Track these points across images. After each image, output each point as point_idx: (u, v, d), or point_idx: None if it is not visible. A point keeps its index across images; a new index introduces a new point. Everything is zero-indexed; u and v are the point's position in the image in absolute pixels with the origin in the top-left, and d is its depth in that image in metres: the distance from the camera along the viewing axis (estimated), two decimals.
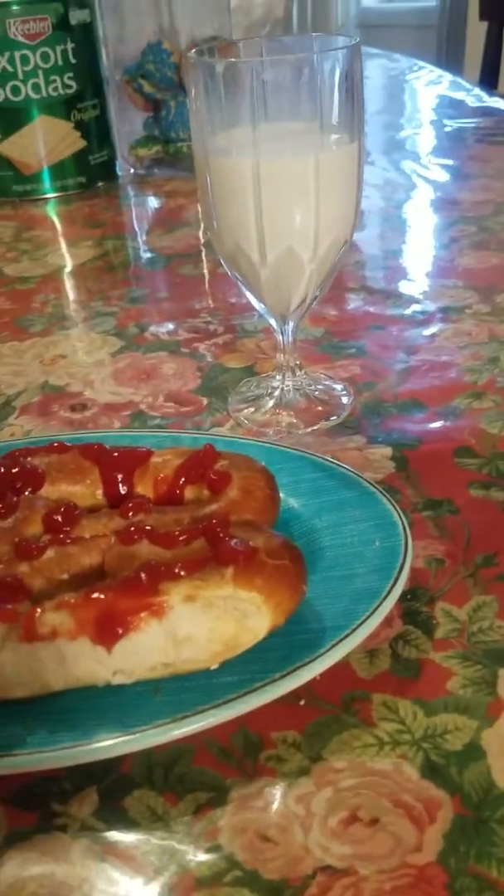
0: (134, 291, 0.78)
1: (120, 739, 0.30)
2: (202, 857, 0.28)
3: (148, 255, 0.87)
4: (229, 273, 0.49)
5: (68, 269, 0.85)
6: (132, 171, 1.13)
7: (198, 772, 0.31)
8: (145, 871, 0.28)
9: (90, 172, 1.08)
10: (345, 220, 0.46)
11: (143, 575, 0.32)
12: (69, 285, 0.81)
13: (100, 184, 1.09)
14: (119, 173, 1.13)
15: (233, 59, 0.44)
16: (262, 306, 0.49)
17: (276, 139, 0.43)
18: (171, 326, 0.69)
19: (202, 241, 0.89)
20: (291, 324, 0.50)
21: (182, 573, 0.32)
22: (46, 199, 1.06)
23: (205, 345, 0.65)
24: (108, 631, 0.31)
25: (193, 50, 0.45)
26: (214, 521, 0.35)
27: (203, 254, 0.86)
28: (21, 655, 0.31)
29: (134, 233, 0.98)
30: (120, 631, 0.31)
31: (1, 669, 0.31)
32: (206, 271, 0.81)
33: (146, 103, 1.09)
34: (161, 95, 1.07)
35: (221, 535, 0.34)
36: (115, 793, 0.31)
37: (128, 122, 1.12)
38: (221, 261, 0.49)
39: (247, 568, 0.32)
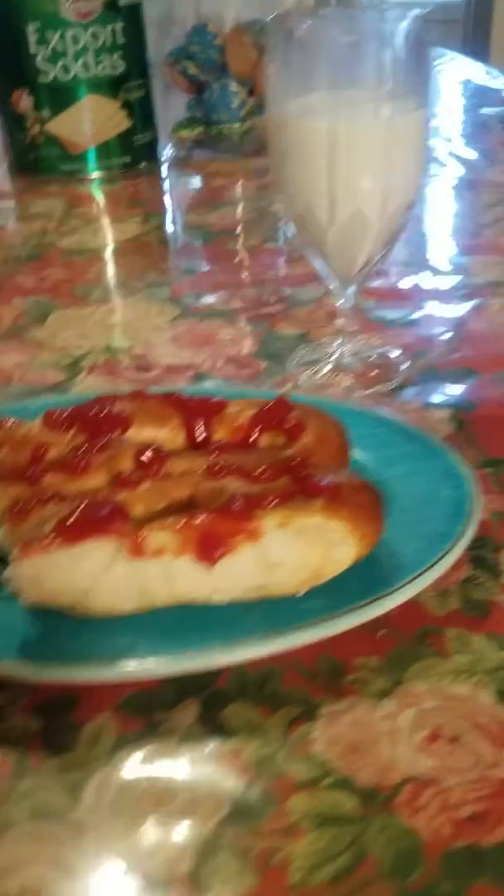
0: (184, 264, 0.80)
1: (221, 652, 0.32)
2: (299, 763, 0.31)
3: (195, 231, 0.90)
4: (295, 236, 0.51)
5: (119, 243, 0.87)
6: (174, 152, 1.15)
7: (288, 689, 0.34)
8: (248, 774, 0.30)
9: (134, 153, 1.10)
10: (411, 184, 0.48)
11: (237, 503, 0.34)
12: (121, 258, 0.84)
13: (142, 164, 1.11)
14: (161, 155, 1.15)
15: (311, 24, 0.46)
16: (326, 269, 0.51)
17: (350, 104, 0.45)
18: (223, 296, 0.71)
19: (246, 218, 0.91)
20: (353, 288, 0.52)
21: (273, 503, 0.34)
22: (91, 178, 1.08)
23: (258, 314, 0.67)
24: (208, 551, 0.33)
25: (272, 16, 0.47)
26: (296, 460, 0.37)
27: (249, 230, 0.88)
28: (130, 571, 0.33)
29: (179, 210, 1.00)
30: (219, 552, 0.33)
31: (111, 585, 0.33)
32: (253, 246, 0.83)
33: (189, 85, 1.11)
34: (205, 77, 1.08)
35: (304, 472, 0.36)
36: (213, 705, 0.33)
37: (170, 105, 1.14)
38: (289, 225, 0.51)
39: (334, 500, 0.34)
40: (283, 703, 0.33)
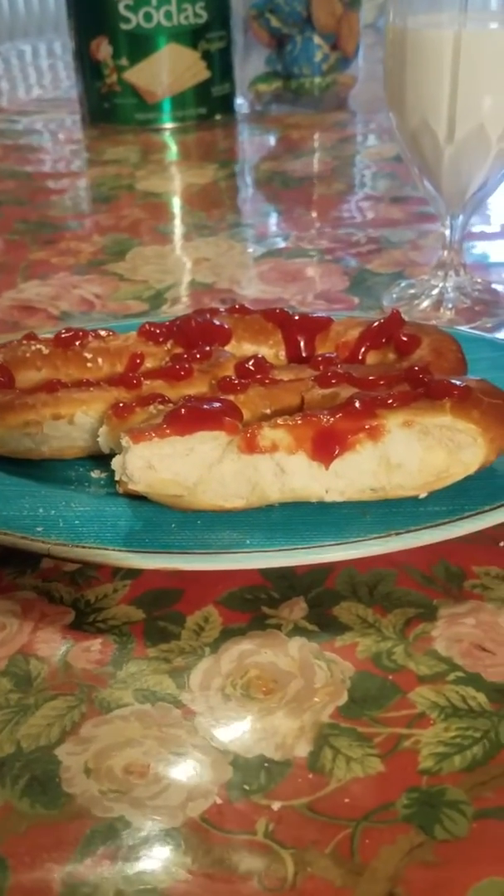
0: (265, 208, 0.79)
1: (337, 546, 0.31)
2: (421, 658, 0.29)
3: (274, 177, 0.88)
4: (406, 157, 0.49)
5: (196, 187, 0.86)
6: (250, 106, 1.13)
7: (403, 591, 0.32)
8: (365, 666, 0.29)
9: (210, 104, 1.08)
10: None
11: (357, 402, 0.33)
12: (199, 201, 0.82)
13: (218, 116, 1.10)
14: (236, 108, 1.13)
15: None
16: (437, 193, 0.49)
17: (478, 18, 0.44)
18: (309, 237, 0.69)
19: (327, 166, 0.90)
20: (461, 218, 0.50)
21: (397, 402, 0.33)
22: (166, 128, 1.07)
23: (348, 253, 0.65)
24: (325, 448, 0.32)
25: None
26: (416, 367, 0.36)
27: (331, 177, 0.86)
28: (240, 466, 0.32)
29: (260, 158, 0.98)
30: (337, 449, 0.32)
31: (221, 479, 0.32)
32: (337, 191, 0.82)
33: (270, 38, 1.10)
34: (287, 30, 1.07)
35: (425, 378, 0.35)
36: (322, 602, 0.32)
37: (248, 58, 1.13)
38: (400, 146, 0.49)
39: (464, 400, 0.33)
40: (397, 605, 0.32)
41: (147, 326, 0.42)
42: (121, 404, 0.37)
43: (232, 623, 0.31)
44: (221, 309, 0.44)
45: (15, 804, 0.25)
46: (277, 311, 0.43)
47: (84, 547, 0.32)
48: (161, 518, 0.34)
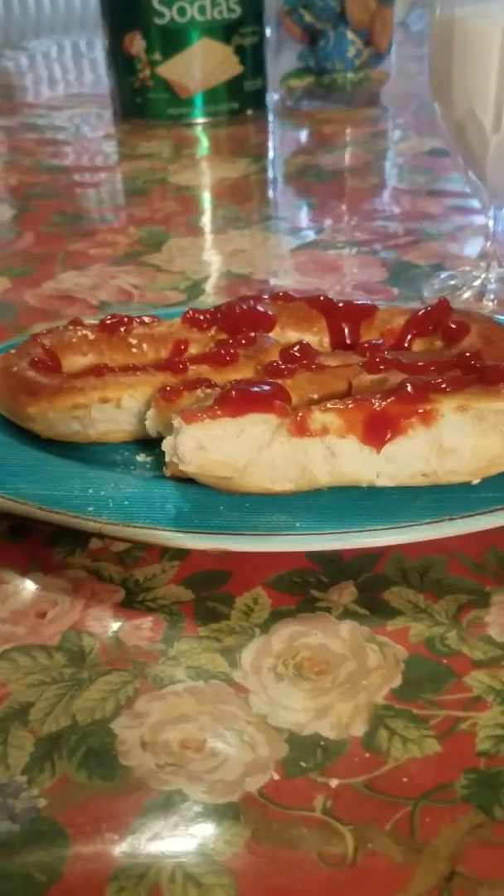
0: (300, 200, 0.79)
1: (389, 530, 0.31)
2: (475, 643, 0.29)
3: (307, 170, 0.88)
4: (450, 148, 0.49)
5: (229, 181, 0.86)
6: (281, 101, 1.14)
7: (454, 578, 0.32)
8: (418, 650, 0.29)
9: (243, 99, 1.09)
10: None
11: (410, 386, 0.33)
12: (233, 194, 0.83)
13: (249, 112, 1.10)
14: (268, 104, 1.13)
15: None
16: (481, 184, 0.49)
17: None
18: (345, 230, 0.69)
19: (360, 160, 0.89)
20: None
21: (449, 389, 0.33)
22: (197, 123, 1.08)
23: (385, 245, 0.65)
24: (377, 432, 0.32)
25: None
26: (468, 353, 0.36)
27: (365, 171, 0.86)
28: (290, 449, 0.32)
29: (291, 152, 0.98)
30: (389, 434, 0.32)
31: (270, 462, 0.32)
32: (371, 185, 0.82)
33: (303, 34, 1.10)
34: (321, 26, 1.07)
35: (478, 364, 0.35)
36: (372, 587, 0.32)
37: (280, 54, 1.13)
38: (444, 136, 0.49)
39: None
40: (448, 591, 0.32)
41: (191, 313, 0.43)
42: (168, 388, 0.37)
43: (281, 605, 0.32)
44: (265, 296, 0.45)
45: (72, 776, 0.25)
46: (322, 298, 0.43)
47: (135, 527, 0.32)
48: (209, 500, 0.34)
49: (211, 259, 0.65)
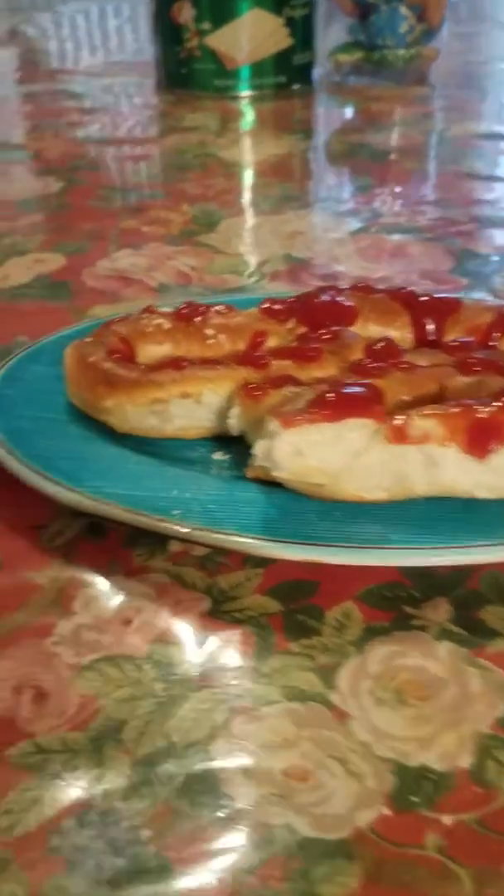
0: (354, 181, 0.77)
1: (492, 547, 0.30)
2: None
3: (360, 150, 0.86)
4: None
5: (281, 157, 0.84)
6: (329, 76, 1.11)
7: None
8: None
9: (290, 73, 1.06)
10: None
11: None
12: (287, 171, 0.81)
13: (296, 86, 1.07)
14: (315, 78, 1.10)
15: None
16: None
17: None
18: (406, 214, 0.67)
19: (416, 141, 0.87)
20: None
21: None
22: (243, 96, 1.05)
23: (448, 231, 0.63)
24: (481, 442, 0.30)
25: None
26: None
27: (420, 152, 0.84)
28: (388, 456, 0.31)
29: (342, 130, 0.96)
30: (494, 444, 0.30)
31: (366, 469, 0.31)
32: (429, 166, 0.79)
33: (353, 8, 1.06)
34: (373, 0, 1.03)
35: None
36: (467, 604, 0.31)
37: (329, 28, 1.10)
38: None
39: None
40: None
41: (268, 303, 0.41)
42: (251, 385, 0.35)
43: (374, 621, 0.30)
44: (345, 286, 0.43)
45: (174, 803, 0.24)
46: (403, 291, 0.42)
47: (223, 533, 0.31)
48: (297, 507, 0.32)
49: (268, 241, 0.64)
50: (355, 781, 0.25)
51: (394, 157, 0.82)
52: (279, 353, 0.38)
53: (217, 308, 0.42)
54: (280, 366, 0.37)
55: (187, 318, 0.41)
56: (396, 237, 0.63)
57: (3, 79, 1.26)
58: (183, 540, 0.32)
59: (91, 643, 0.30)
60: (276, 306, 0.41)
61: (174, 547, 0.34)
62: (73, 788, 0.25)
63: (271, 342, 0.40)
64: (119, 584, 0.32)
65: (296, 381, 0.35)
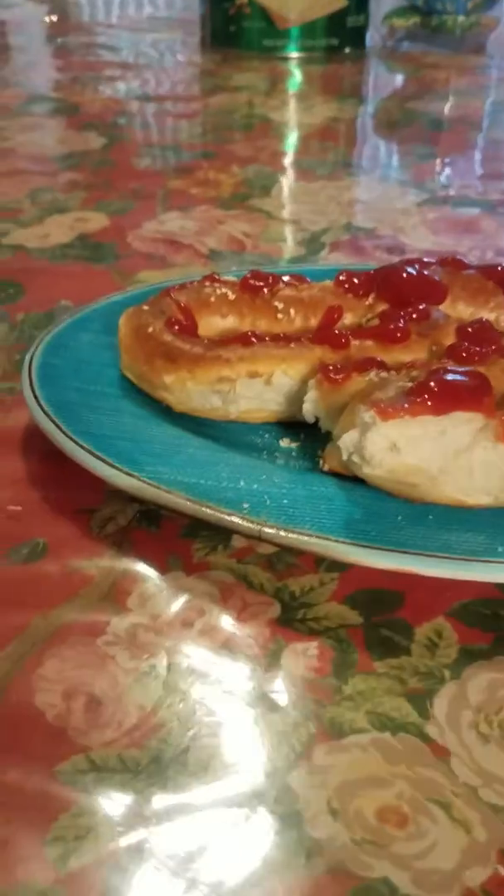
0: (418, 149, 0.72)
1: None
2: None
3: (422, 117, 0.81)
4: None
5: (335, 121, 0.80)
6: (382, 41, 1.06)
7: None
8: None
9: (342, 36, 1.01)
10: None
11: None
12: (342, 136, 0.76)
13: (347, 49, 1.02)
14: (368, 43, 1.05)
15: None
16: None
17: None
18: (475, 186, 0.63)
19: (473, 110, 0.82)
20: None
21: None
22: (291, 57, 1.00)
23: None
24: None
25: None
26: None
27: (482, 120, 0.79)
28: (495, 456, 0.27)
29: (394, 96, 0.91)
30: None
31: (469, 469, 0.27)
32: (492, 138, 0.75)
33: None
34: None
35: None
36: None
37: None
38: None
39: None
40: None
41: (345, 275, 0.37)
42: (331, 367, 0.32)
43: (471, 642, 0.27)
44: (430, 260, 0.39)
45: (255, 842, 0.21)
46: (499, 268, 0.38)
47: (302, 534, 0.27)
48: (383, 508, 0.29)
49: (326, 209, 0.60)
50: (462, 831, 0.22)
51: (459, 127, 0.77)
52: (360, 332, 0.34)
53: (286, 279, 0.38)
54: (361, 346, 0.33)
55: (254, 288, 0.37)
56: (465, 211, 0.59)
57: (37, 31, 1.22)
58: (250, 536, 0.29)
59: (148, 645, 0.26)
60: (354, 279, 0.37)
61: (238, 542, 0.31)
62: (135, 816, 0.22)
63: (347, 319, 0.37)
64: (178, 582, 0.29)
65: (381, 365, 0.32)
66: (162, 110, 0.82)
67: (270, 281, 0.37)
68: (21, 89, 0.89)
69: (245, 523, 0.28)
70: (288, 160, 0.69)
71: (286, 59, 1.00)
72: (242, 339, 0.34)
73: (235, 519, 0.28)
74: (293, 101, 0.87)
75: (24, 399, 0.33)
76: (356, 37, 1.02)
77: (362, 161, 0.70)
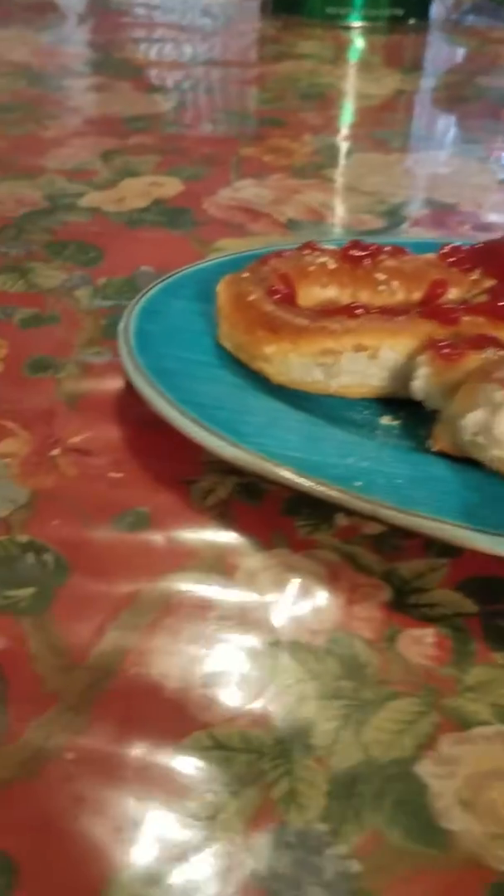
0: (488, 125, 0.70)
1: None
2: None
3: (491, 92, 0.79)
4: None
5: (406, 94, 0.78)
6: (447, 13, 1.03)
7: None
8: None
9: (407, 6, 0.98)
10: None
11: None
12: (414, 107, 0.74)
13: (411, 21, 1.00)
14: (432, 15, 1.03)
15: None
16: None
17: None
18: None
19: None
20: None
21: None
22: (354, 27, 0.98)
23: None
24: None
25: None
26: None
27: None
28: None
29: (464, 70, 0.89)
30: None
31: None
32: None
33: None
34: None
35: None
36: None
37: None
38: None
39: None
40: None
41: (452, 249, 0.36)
42: (443, 344, 0.31)
43: None
44: None
45: (385, 833, 0.21)
46: None
47: (420, 517, 0.26)
48: (499, 492, 0.28)
49: (404, 181, 0.58)
50: None
51: None
52: (470, 308, 0.33)
53: (387, 249, 0.37)
54: (473, 322, 0.32)
55: (355, 259, 0.36)
56: None
57: None
58: (374, 519, 0.28)
59: (260, 623, 0.26)
60: (459, 252, 0.36)
61: (341, 520, 0.30)
62: (262, 798, 0.21)
63: (452, 294, 0.36)
64: (285, 559, 0.28)
65: (497, 343, 0.31)
66: (227, 75, 0.80)
67: (371, 251, 0.36)
68: (81, 48, 0.88)
69: (359, 502, 0.27)
70: (359, 130, 0.67)
71: (349, 27, 0.98)
72: (347, 311, 0.33)
73: (350, 497, 0.27)
74: (358, 70, 0.85)
75: (117, 365, 0.32)
76: (421, 7, 1.00)
77: (434, 134, 0.68)
